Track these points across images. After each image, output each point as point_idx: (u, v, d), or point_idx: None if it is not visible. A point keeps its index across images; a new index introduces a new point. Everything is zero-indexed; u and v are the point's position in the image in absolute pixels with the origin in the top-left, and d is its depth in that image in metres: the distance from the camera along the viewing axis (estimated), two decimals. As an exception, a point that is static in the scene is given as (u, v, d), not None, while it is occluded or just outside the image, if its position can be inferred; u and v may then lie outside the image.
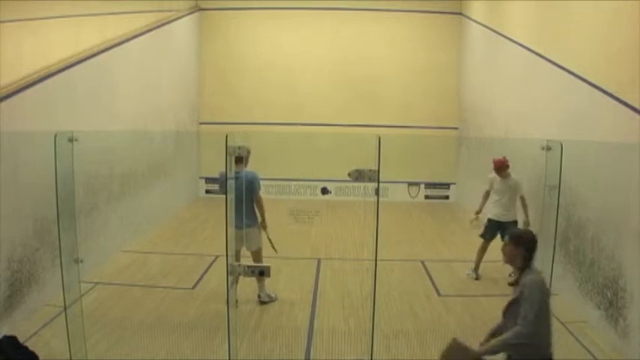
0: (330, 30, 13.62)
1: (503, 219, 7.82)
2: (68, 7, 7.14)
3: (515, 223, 7.79)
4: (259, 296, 6.76)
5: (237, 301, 6.36)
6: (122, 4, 8.89)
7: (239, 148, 4.84)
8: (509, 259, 3.80)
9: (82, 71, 7.40)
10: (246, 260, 6.65)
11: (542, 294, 3.59)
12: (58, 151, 4.58)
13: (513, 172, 7.94)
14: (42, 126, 6.20)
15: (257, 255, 6.78)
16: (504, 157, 7.83)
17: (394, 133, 12.44)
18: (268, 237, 6.81)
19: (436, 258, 8.78)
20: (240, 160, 6.32)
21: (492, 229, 7.91)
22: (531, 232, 3.90)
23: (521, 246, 3.72)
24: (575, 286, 6.55)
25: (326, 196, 13.47)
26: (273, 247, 6.79)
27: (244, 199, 6.48)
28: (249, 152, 6.44)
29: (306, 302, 6.85)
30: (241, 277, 4.60)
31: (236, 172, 6.26)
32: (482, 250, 7.98)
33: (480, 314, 6.63)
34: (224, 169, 6.27)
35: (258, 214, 6.77)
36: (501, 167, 7.84)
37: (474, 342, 5.77)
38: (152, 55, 10.27)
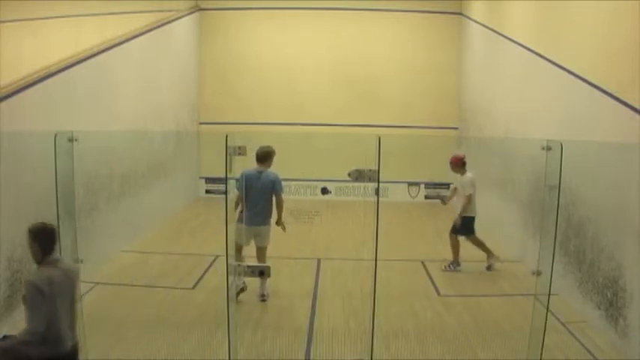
0: (330, 30, 13.60)
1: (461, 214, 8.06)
2: (68, 7, 7.14)
3: (469, 219, 8.02)
4: (262, 295, 6.78)
5: (244, 289, 6.43)
6: (122, 4, 8.88)
7: (238, 148, 4.87)
8: (32, 254, 3.66)
9: (82, 71, 7.39)
10: (248, 260, 6.67)
11: (40, 294, 3.45)
12: (58, 151, 4.58)
13: (513, 171, 7.95)
14: (42, 126, 6.19)
15: (264, 252, 6.86)
16: (461, 154, 8.02)
17: (394, 133, 12.41)
18: (282, 222, 6.91)
19: (436, 258, 8.77)
20: (262, 159, 6.76)
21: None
22: (41, 224, 3.66)
23: (35, 240, 3.59)
24: (575, 286, 6.55)
25: (326, 196, 13.48)
26: (283, 227, 6.90)
27: (262, 198, 6.72)
28: (274, 153, 6.87)
29: (306, 302, 6.85)
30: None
31: (259, 171, 6.76)
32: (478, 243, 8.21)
33: (480, 314, 6.65)
34: (244, 170, 6.59)
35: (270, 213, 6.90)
36: (451, 164, 8.08)
37: (474, 342, 5.82)
38: (152, 55, 10.26)
